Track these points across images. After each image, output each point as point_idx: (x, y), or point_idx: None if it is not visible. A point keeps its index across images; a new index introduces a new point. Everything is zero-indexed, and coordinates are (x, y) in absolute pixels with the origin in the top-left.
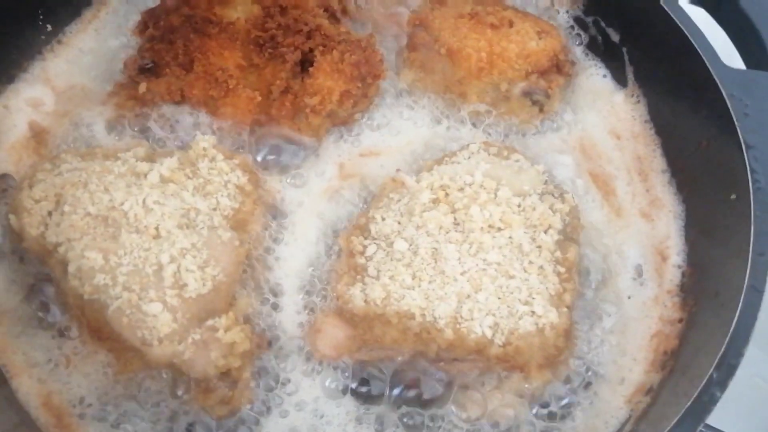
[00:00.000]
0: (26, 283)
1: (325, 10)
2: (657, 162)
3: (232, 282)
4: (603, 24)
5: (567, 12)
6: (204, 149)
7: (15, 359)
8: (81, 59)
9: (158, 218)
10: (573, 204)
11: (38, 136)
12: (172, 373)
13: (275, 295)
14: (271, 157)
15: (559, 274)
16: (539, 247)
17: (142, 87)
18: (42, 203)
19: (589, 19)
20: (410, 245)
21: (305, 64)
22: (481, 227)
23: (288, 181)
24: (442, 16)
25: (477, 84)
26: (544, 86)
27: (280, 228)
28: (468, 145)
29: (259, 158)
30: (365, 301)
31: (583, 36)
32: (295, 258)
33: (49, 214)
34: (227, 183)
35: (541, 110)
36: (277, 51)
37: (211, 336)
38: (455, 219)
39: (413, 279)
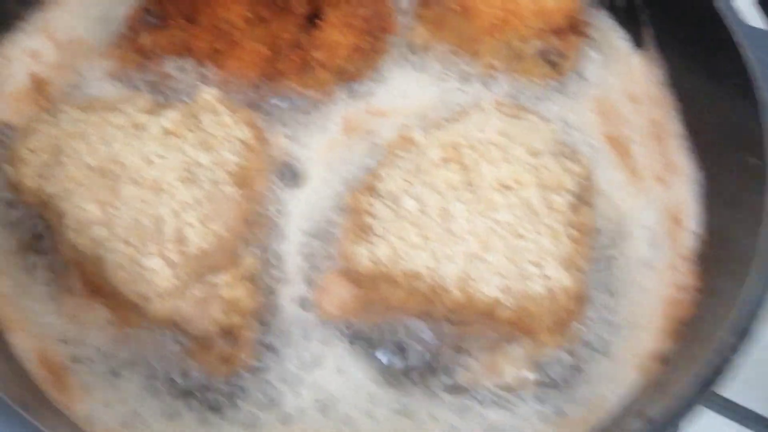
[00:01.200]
0: (24, 236)
1: None
2: (673, 126)
3: (235, 238)
4: None
5: None
6: (208, 102)
7: (11, 313)
8: (82, 10)
9: (159, 171)
10: (587, 166)
11: (39, 87)
12: (171, 329)
13: (279, 256)
14: (277, 112)
15: (571, 236)
16: (552, 208)
17: (146, 38)
18: (39, 154)
19: None
20: (418, 203)
21: (314, 17)
22: (492, 186)
23: (294, 137)
24: None
25: (490, 42)
26: (559, 46)
27: (285, 185)
28: (479, 103)
29: (264, 113)
30: (371, 260)
31: None
32: (302, 216)
33: (46, 165)
34: (231, 138)
35: (556, 71)
36: (286, 4)
37: (212, 292)
38: (465, 177)
39: (421, 238)
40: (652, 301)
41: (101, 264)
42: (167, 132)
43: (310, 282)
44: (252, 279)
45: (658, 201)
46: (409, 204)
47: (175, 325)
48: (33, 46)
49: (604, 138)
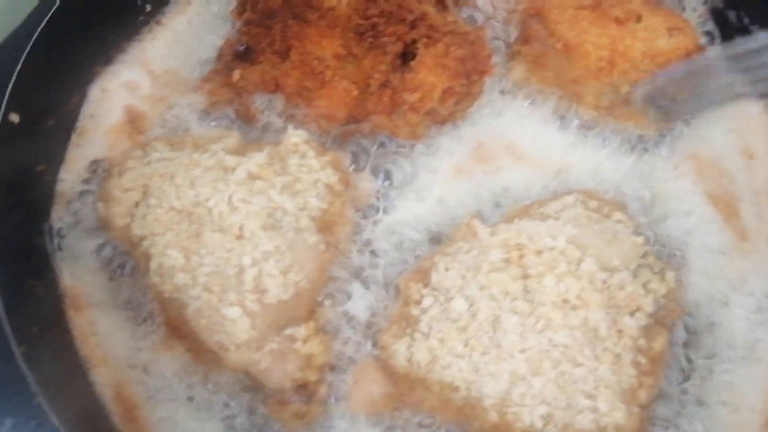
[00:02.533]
0: (113, 273)
1: None
2: None
3: (315, 289)
4: (746, 20)
5: (705, 3)
6: (295, 144)
7: (95, 350)
8: (178, 42)
9: (243, 217)
10: (673, 285)
11: (133, 121)
12: (248, 378)
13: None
14: (365, 154)
15: (638, 365)
16: (620, 331)
17: (236, 74)
18: (130, 193)
19: (731, 13)
20: (470, 306)
21: (407, 56)
22: (553, 301)
23: (381, 182)
24: (561, 6)
25: (595, 85)
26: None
27: (369, 230)
28: (563, 196)
29: (350, 155)
30: (409, 360)
31: (721, 33)
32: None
33: (136, 204)
34: (317, 182)
35: (666, 118)
36: (378, 41)
37: (289, 346)
38: (525, 286)
39: (465, 346)
40: (755, 394)
41: (183, 309)
42: (253, 176)
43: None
44: (327, 332)
45: None
46: (460, 305)
47: (251, 376)
48: (130, 78)
49: (706, 196)
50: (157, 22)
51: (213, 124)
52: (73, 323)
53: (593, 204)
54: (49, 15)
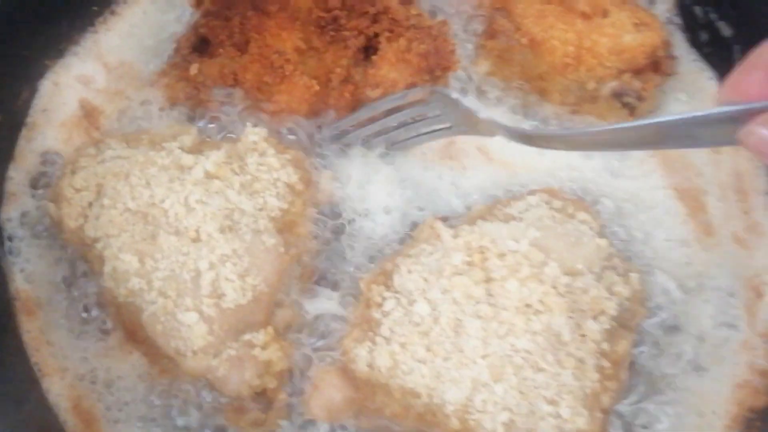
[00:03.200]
0: (66, 275)
1: None
2: (760, 181)
3: (274, 292)
4: (713, 15)
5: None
6: (254, 142)
7: (48, 358)
8: (133, 34)
9: (199, 219)
10: (638, 287)
11: (89, 114)
12: (206, 385)
13: (311, 313)
14: (325, 151)
15: (601, 369)
16: (583, 336)
17: (194, 68)
18: (83, 193)
19: (697, 9)
20: (432, 310)
21: (369, 50)
22: (516, 306)
23: (340, 178)
24: (527, 0)
25: (561, 81)
26: (638, 87)
27: (327, 231)
28: (527, 196)
29: (311, 152)
30: (370, 365)
31: (687, 28)
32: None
33: (90, 205)
34: (276, 181)
35: (631, 113)
36: (340, 34)
37: (247, 352)
38: (488, 290)
39: (427, 351)
40: (721, 383)
41: (138, 314)
42: (211, 175)
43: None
44: (286, 336)
45: (735, 264)
46: (423, 308)
47: (208, 383)
48: (84, 71)
49: (673, 190)
50: (112, 12)
51: (170, 118)
52: (23, 329)
53: (557, 204)
54: None
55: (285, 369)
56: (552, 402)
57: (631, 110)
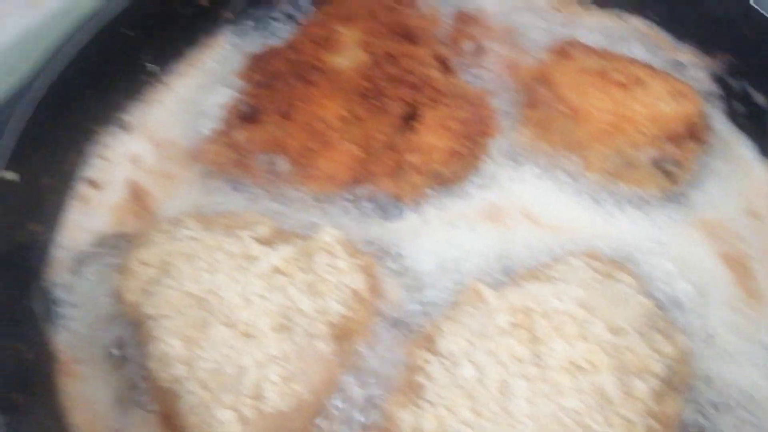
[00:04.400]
0: (112, 346)
1: (437, 60)
2: None
3: (318, 402)
4: (750, 86)
5: (706, 70)
6: (326, 243)
7: (85, 419)
8: (181, 106)
9: (254, 314)
10: (683, 348)
11: (137, 196)
12: None
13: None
14: (370, 219)
15: (651, 429)
16: (630, 395)
17: (240, 135)
18: (148, 268)
19: (733, 80)
20: (477, 372)
21: (410, 118)
22: (562, 365)
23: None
24: (566, 70)
25: (600, 149)
26: (677, 154)
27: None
28: (568, 258)
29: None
30: (415, 429)
31: (724, 98)
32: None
33: (151, 281)
34: (342, 285)
35: (670, 180)
36: (382, 103)
37: None
38: (533, 350)
39: (473, 414)
40: None
41: (176, 401)
42: (276, 270)
43: None
44: None
45: None
46: (468, 371)
47: None
48: (133, 149)
49: (719, 257)
50: (162, 83)
51: (218, 193)
52: (62, 390)
53: (599, 266)
54: (52, 73)
55: None
56: None
57: (672, 178)
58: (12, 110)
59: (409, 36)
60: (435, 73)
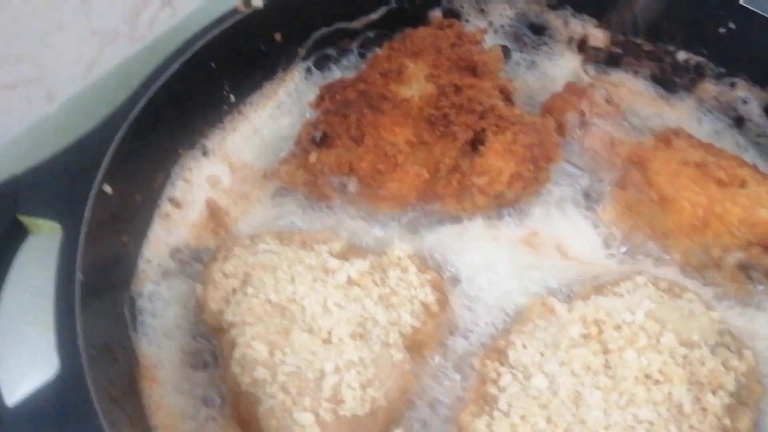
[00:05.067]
0: (194, 353)
1: (501, 92)
2: None
3: (392, 410)
4: None
5: None
6: (398, 258)
7: (167, 421)
8: (257, 134)
9: (334, 322)
10: (752, 363)
11: (215, 215)
12: None
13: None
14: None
15: None
16: (704, 409)
17: (313, 157)
18: (230, 279)
19: None
20: (550, 383)
21: (476, 143)
22: (636, 376)
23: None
24: (665, 158)
25: (685, 242)
26: (767, 263)
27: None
28: (634, 276)
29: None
30: None
31: None
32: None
33: (234, 291)
34: (413, 298)
35: (755, 288)
36: (449, 129)
37: None
38: (606, 361)
39: (548, 423)
40: None
41: (256, 405)
42: (352, 282)
43: None
44: None
45: None
46: (541, 382)
47: None
48: (212, 172)
49: None
50: (239, 112)
51: (290, 218)
52: (145, 393)
53: (663, 285)
54: (145, 100)
55: None
56: None
57: (755, 285)
58: (110, 132)
59: (472, 70)
60: (499, 103)
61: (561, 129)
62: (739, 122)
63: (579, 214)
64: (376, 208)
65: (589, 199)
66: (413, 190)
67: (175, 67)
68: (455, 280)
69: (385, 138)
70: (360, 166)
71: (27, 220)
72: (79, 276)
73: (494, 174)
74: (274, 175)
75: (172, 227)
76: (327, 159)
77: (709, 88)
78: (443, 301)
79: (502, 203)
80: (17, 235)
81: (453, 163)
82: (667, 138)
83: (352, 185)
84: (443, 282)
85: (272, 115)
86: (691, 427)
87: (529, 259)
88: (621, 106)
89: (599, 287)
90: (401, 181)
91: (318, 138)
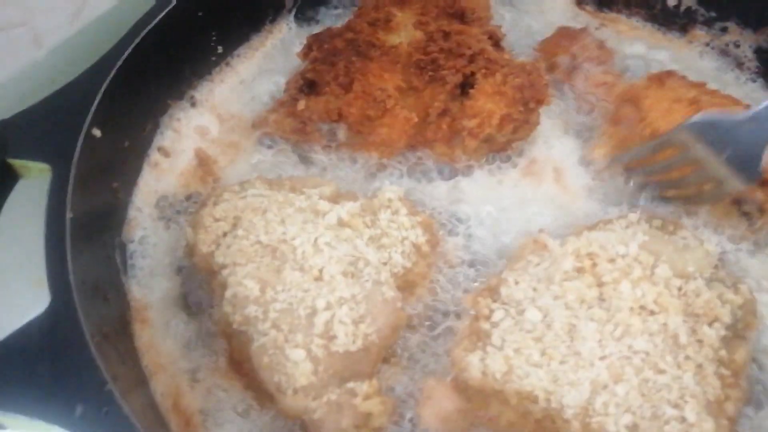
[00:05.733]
0: (184, 295)
1: (490, 38)
2: None
3: (384, 346)
4: None
5: None
6: (389, 200)
7: (157, 360)
8: (244, 85)
9: (325, 260)
10: (748, 297)
11: (204, 163)
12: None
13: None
14: (421, 183)
15: (721, 377)
16: (700, 341)
17: (301, 104)
18: (220, 223)
19: None
20: (544, 317)
21: (465, 87)
22: (631, 307)
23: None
24: (657, 96)
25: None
26: (760, 199)
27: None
28: (627, 214)
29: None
30: (483, 372)
31: None
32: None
33: (224, 234)
34: (404, 239)
35: (748, 223)
36: (438, 74)
37: (348, 400)
38: (600, 294)
39: (542, 356)
40: None
41: (248, 344)
42: (343, 223)
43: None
44: (388, 394)
45: None
46: (534, 315)
47: (303, 424)
48: (201, 123)
49: None
50: (227, 64)
51: (279, 161)
52: (137, 334)
53: (657, 222)
54: (133, 46)
55: (383, 427)
56: (676, 405)
57: (750, 220)
58: (99, 78)
59: (460, 17)
60: (488, 47)
61: (552, 71)
62: (733, 62)
63: (572, 153)
64: (366, 154)
65: (581, 137)
66: (403, 135)
67: (161, 15)
68: (447, 223)
69: (374, 84)
70: (349, 112)
71: (17, 163)
72: (69, 214)
73: (484, 116)
74: (263, 124)
75: (161, 175)
76: (315, 106)
77: (700, 34)
78: (434, 242)
79: (493, 147)
80: (7, 178)
81: (443, 107)
82: (659, 78)
83: (341, 132)
84: (434, 223)
85: (260, 67)
86: (687, 357)
87: (522, 197)
88: (612, 51)
89: (592, 226)
90: (391, 126)
91: (306, 87)
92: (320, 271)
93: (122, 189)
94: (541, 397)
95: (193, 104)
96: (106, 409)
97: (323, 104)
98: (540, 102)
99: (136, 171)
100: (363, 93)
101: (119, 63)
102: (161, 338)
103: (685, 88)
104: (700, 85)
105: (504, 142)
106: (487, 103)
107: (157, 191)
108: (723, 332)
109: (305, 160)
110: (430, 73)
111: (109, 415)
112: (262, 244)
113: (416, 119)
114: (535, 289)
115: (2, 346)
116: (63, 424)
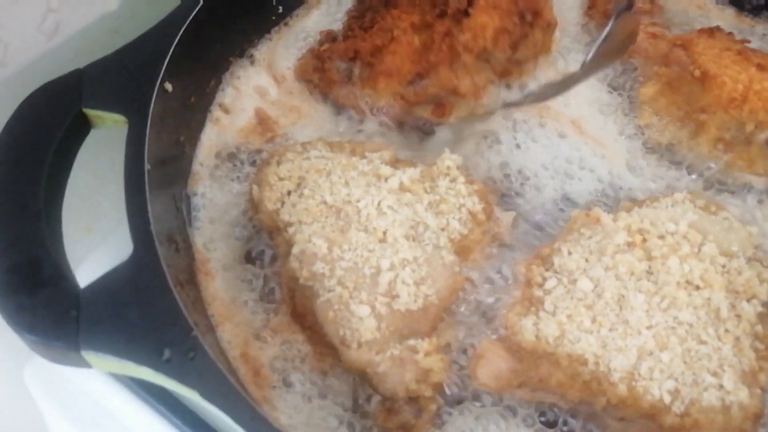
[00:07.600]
0: (249, 251)
1: None
2: None
3: (442, 307)
4: None
5: None
6: (448, 168)
7: (223, 310)
8: (297, 43)
9: (388, 223)
10: None
11: (264, 123)
12: (360, 380)
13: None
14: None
15: (756, 350)
16: (738, 316)
17: (325, 46)
18: (285, 182)
19: None
20: (595, 286)
21: (468, 7)
22: (678, 282)
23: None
24: (708, 44)
25: (722, 116)
26: None
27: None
28: (673, 193)
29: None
30: (536, 336)
31: None
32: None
33: (289, 193)
34: (461, 207)
35: None
36: (447, 6)
37: (409, 356)
38: (650, 267)
39: (592, 323)
40: None
41: (313, 298)
42: (404, 188)
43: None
44: (447, 352)
45: None
46: (585, 285)
47: (365, 378)
48: (260, 83)
49: None
50: (285, 24)
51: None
52: (202, 285)
53: (700, 203)
54: (198, 7)
55: (441, 382)
56: (715, 374)
57: None
58: (167, 32)
59: None
60: None
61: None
62: None
63: (612, 98)
64: (375, 87)
65: (621, 87)
66: (408, 61)
67: None
68: (501, 191)
69: (391, 23)
70: (363, 47)
71: (92, 113)
72: (147, 166)
73: (478, 30)
74: (296, 72)
75: (222, 132)
76: (336, 47)
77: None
78: (489, 211)
79: (496, 69)
80: (81, 128)
81: (445, 30)
82: (709, 31)
83: (356, 69)
84: (489, 192)
85: (315, 27)
86: (726, 331)
87: (568, 155)
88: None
89: (640, 202)
90: (395, 53)
91: (335, 36)
92: (384, 233)
93: (187, 143)
94: (591, 361)
95: (252, 63)
96: (192, 354)
97: (343, 45)
98: (537, 14)
99: (200, 126)
100: (379, 31)
101: (189, 18)
102: (224, 290)
103: (731, 41)
104: (746, 41)
105: (505, 62)
106: (482, 17)
107: (218, 146)
108: (760, 308)
109: (366, 132)
110: (441, 7)
111: (194, 360)
112: (327, 204)
113: (417, 43)
114: (587, 260)
115: (89, 290)
116: (153, 366)
